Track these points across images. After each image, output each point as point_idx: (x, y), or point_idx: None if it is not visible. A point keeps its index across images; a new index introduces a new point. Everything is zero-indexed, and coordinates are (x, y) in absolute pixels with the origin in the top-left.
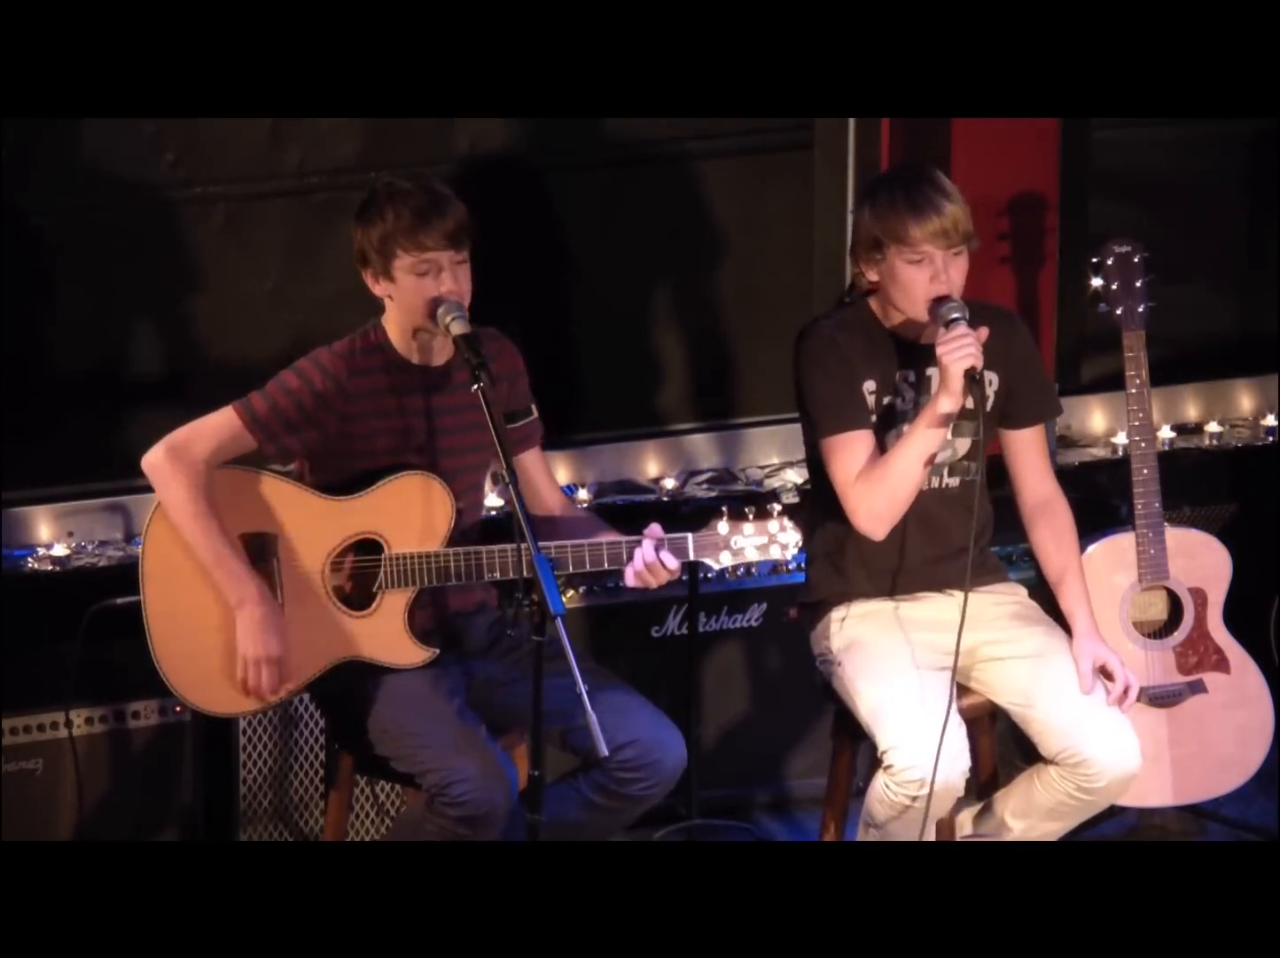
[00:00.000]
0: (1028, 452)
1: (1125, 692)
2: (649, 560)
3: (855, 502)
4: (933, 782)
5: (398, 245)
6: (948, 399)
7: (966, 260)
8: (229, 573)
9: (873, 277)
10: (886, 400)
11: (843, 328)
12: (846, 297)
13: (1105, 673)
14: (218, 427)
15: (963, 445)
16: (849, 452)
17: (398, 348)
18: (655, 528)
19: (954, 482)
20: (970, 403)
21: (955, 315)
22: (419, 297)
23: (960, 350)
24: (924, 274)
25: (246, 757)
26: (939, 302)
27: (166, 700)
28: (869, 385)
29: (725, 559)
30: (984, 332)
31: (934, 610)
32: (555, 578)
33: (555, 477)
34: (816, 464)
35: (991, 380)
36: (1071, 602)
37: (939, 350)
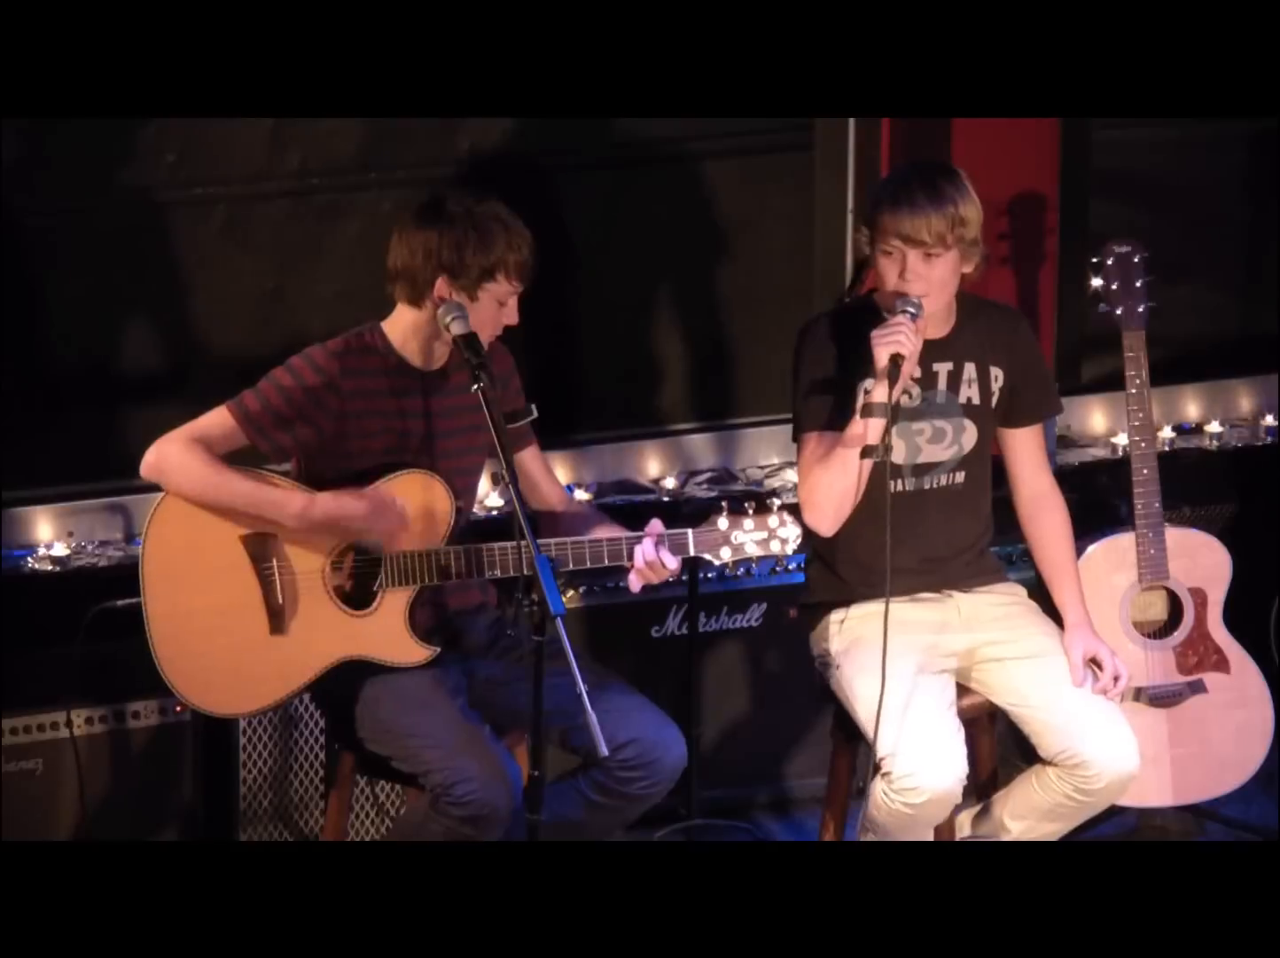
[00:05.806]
0: (1026, 447)
1: (1115, 680)
2: (649, 559)
3: (803, 496)
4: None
5: (502, 273)
6: (878, 387)
7: (951, 265)
8: (277, 505)
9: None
10: None
11: (844, 323)
12: (846, 296)
13: (1096, 665)
14: (210, 425)
15: (969, 442)
16: (808, 450)
17: (399, 351)
18: (656, 524)
19: (959, 477)
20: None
21: (907, 309)
22: (493, 320)
23: (887, 337)
24: (894, 267)
25: (246, 757)
26: (901, 297)
27: (166, 700)
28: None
29: (725, 555)
30: (921, 330)
31: (933, 612)
32: (556, 577)
33: (554, 472)
34: None
35: (997, 376)
36: (1065, 595)
37: (871, 336)
